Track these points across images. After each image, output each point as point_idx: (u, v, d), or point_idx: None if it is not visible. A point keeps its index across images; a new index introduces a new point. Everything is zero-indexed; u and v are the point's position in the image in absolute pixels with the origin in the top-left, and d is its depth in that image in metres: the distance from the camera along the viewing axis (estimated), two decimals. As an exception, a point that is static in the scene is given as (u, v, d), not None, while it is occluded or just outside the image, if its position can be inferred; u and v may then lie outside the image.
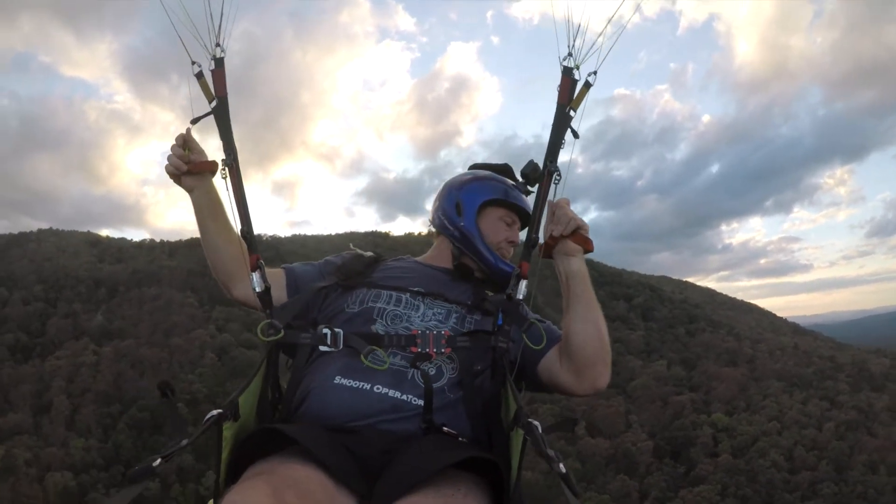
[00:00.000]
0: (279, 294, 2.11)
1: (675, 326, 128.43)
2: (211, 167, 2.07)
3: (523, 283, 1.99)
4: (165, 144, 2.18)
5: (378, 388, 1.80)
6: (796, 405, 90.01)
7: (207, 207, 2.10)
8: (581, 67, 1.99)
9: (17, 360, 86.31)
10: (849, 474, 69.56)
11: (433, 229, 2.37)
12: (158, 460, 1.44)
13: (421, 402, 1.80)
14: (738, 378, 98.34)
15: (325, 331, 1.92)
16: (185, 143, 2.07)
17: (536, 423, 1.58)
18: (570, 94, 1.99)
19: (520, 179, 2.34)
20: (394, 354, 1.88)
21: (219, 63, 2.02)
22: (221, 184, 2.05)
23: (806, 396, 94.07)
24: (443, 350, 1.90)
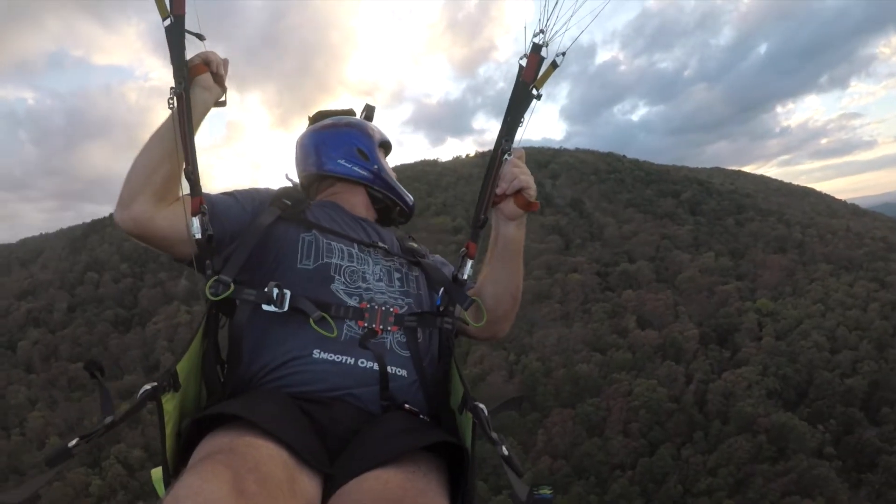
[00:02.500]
0: (186, 223, 1.81)
1: (724, 218, 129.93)
2: (224, 94, 1.95)
3: (469, 264, 1.94)
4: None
5: (363, 363, 1.76)
6: (843, 287, 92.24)
7: (199, 116, 1.86)
8: (550, 45, 1.85)
9: (119, 331, 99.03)
10: (889, 352, 72.30)
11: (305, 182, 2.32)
12: (76, 440, 1.37)
13: (404, 373, 1.81)
14: (786, 264, 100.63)
15: (274, 290, 1.77)
16: (226, 62, 1.96)
17: (482, 406, 1.62)
18: (535, 73, 1.87)
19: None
20: (340, 323, 1.80)
21: None
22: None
23: (854, 278, 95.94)
24: (389, 328, 1.84)
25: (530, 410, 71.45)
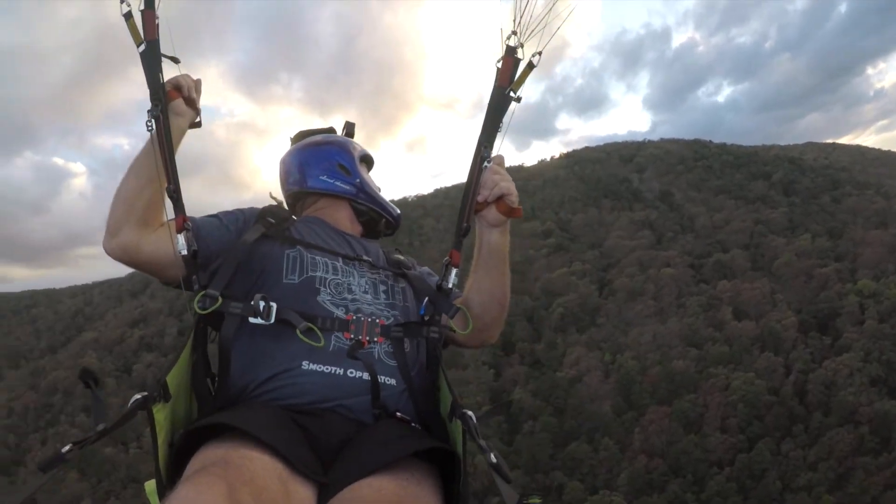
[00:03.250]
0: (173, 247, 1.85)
1: (819, 196, 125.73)
2: (198, 115, 2.00)
3: (454, 272, 1.94)
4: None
5: (352, 373, 1.76)
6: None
7: (175, 141, 1.88)
8: (525, 46, 1.85)
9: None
10: None
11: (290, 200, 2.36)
12: (69, 446, 1.38)
13: (393, 382, 1.82)
14: (888, 240, 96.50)
15: (261, 303, 1.78)
16: (198, 84, 2.00)
17: (470, 413, 1.62)
18: (511, 76, 1.86)
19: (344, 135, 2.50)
20: (328, 334, 1.81)
21: (149, 3, 1.84)
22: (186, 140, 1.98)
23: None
24: (376, 339, 1.85)
25: (626, 409, 72.58)
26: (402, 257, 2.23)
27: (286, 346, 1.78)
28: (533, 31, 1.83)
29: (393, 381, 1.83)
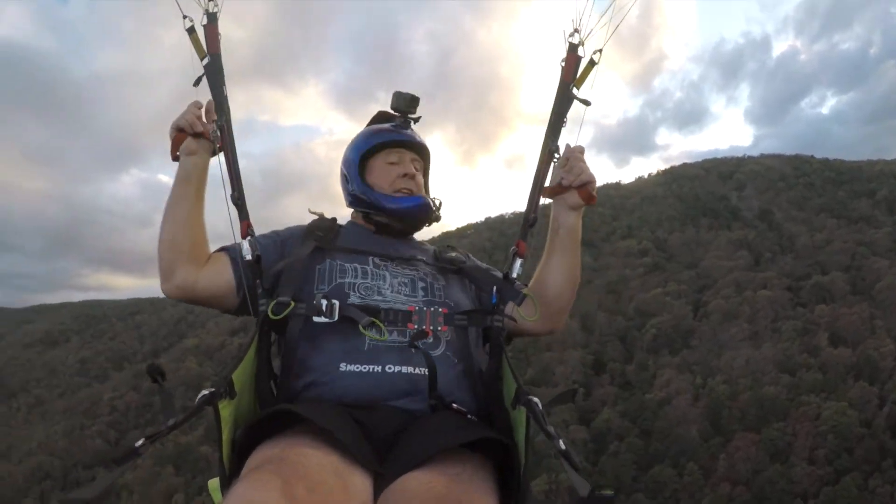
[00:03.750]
0: (227, 279, 1.96)
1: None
2: (217, 141, 1.96)
3: (518, 262, 2.00)
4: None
5: (390, 368, 1.77)
6: None
7: (198, 178, 1.97)
8: (586, 44, 1.94)
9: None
10: None
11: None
12: (142, 441, 1.40)
13: (450, 372, 1.83)
14: None
15: (323, 300, 1.83)
16: (206, 107, 2.00)
17: (537, 399, 1.60)
18: (574, 72, 1.95)
19: (396, 115, 2.28)
20: (390, 331, 1.83)
21: (212, 18, 1.94)
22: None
23: None
24: (440, 328, 1.88)
25: (714, 434, 73.47)
26: (454, 254, 2.22)
27: (326, 348, 1.83)
28: (592, 29, 1.92)
29: (452, 372, 1.85)
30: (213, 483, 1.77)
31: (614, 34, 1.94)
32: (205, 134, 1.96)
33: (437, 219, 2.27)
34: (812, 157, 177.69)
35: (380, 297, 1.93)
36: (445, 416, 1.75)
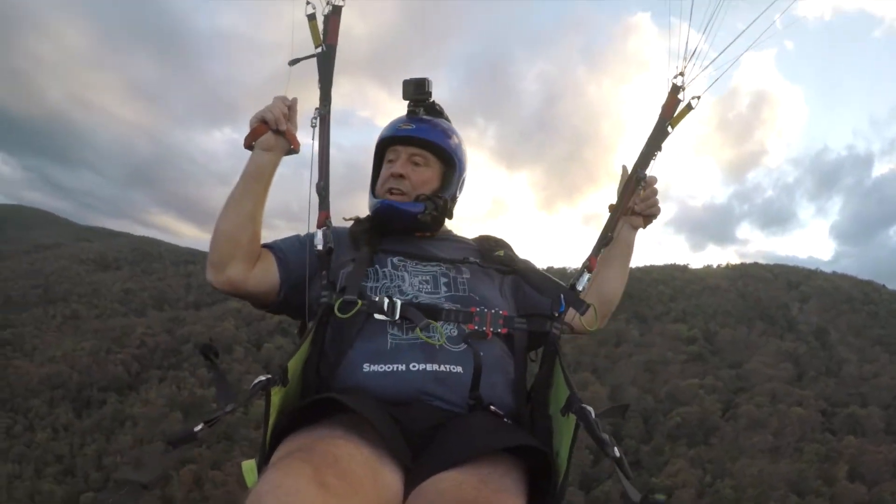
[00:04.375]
0: (273, 280, 2.02)
1: None
2: (297, 144, 2.01)
3: (587, 276, 2.05)
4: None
5: (414, 366, 1.77)
6: None
7: (269, 177, 1.99)
8: (687, 89, 2.02)
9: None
10: None
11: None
12: (201, 425, 1.42)
13: (459, 370, 1.79)
14: None
15: (386, 300, 1.84)
16: (292, 105, 2.01)
17: (590, 408, 1.60)
18: (672, 111, 2.04)
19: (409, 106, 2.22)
20: (395, 331, 1.85)
21: (336, 11, 1.97)
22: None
23: None
24: (500, 330, 1.90)
25: (705, 538, 74.32)
26: (502, 253, 2.23)
27: (348, 351, 1.85)
28: (696, 76, 1.99)
29: (492, 373, 1.85)
30: (248, 465, 1.73)
31: (717, 96, 2.48)
32: (288, 133, 1.99)
33: (431, 218, 2.15)
34: (884, 286, 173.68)
35: (400, 297, 1.93)
36: (482, 418, 1.76)
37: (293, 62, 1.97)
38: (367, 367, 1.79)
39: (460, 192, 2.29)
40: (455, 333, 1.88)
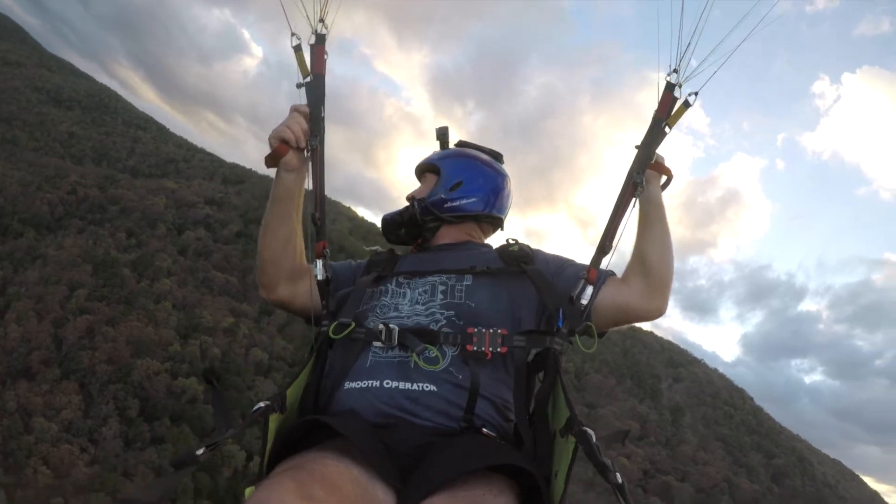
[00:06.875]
0: (317, 298, 2.08)
1: None
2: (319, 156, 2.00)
3: (589, 289, 1.94)
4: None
5: (388, 383, 1.77)
6: None
7: (298, 196, 2.02)
8: (684, 86, 1.92)
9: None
10: None
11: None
12: (203, 449, 1.41)
13: (433, 388, 1.76)
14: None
15: (381, 326, 1.84)
16: (308, 115, 1.99)
17: (591, 431, 1.53)
18: (668, 110, 1.93)
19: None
20: (392, 348, 1.84)
21: (320, 39, 1.96)
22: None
23: None
24: (499, 349, 1.83)
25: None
26: (515, 248, 2.18)
27: (333, 369, 1.89)
28: (692, 73, 1.91)
29: (491, 393, 1.82)
30: (250, 491, 1.63)
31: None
32: (308, 145, 1.99)
33: (410, 218, 2.26)
34: (752, 399, 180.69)
35: (395, 314, 1.94)
36: (472, 439, 1.71)
37: (300, 86, 2.00)
38: (347, 385, 1.82)
39: (474, 198, 2.28)
40: (457, 353, 1.84)
